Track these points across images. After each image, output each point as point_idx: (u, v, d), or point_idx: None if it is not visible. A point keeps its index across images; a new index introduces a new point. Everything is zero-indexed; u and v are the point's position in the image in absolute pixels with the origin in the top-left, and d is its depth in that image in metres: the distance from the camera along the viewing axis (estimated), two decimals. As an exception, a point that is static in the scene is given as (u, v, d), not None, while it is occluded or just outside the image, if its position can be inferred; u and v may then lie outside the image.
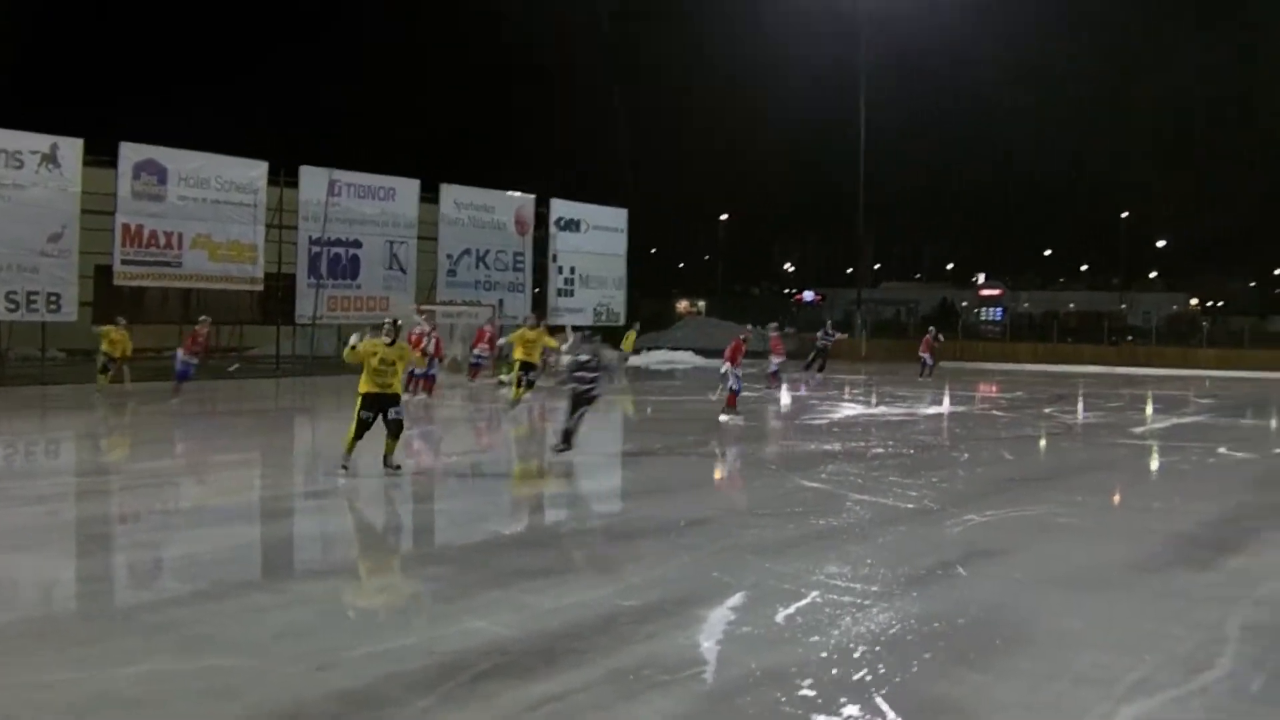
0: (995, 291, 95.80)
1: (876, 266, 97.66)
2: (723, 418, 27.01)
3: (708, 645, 9.11)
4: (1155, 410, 35.27)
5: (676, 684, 8.04)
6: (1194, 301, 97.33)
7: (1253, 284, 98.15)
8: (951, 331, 59.84)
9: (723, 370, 28.52)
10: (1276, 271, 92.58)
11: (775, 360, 36.33)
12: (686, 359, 56.33)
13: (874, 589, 10.79)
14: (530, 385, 27.30)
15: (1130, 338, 73.49)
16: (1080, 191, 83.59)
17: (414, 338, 28.41)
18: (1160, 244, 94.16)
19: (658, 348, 59.83)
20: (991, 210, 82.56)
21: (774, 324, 38.45)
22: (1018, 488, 17.74)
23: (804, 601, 10.31)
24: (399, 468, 17.05)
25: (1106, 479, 19.67)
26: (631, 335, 50.62)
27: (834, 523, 14.51)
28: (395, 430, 16.91)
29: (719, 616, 9.89)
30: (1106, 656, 8.82)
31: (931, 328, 51.46)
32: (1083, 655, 8.87)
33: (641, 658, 8.59)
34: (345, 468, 16.72)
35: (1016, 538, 13.72)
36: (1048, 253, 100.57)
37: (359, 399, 16.75)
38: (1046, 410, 33.56)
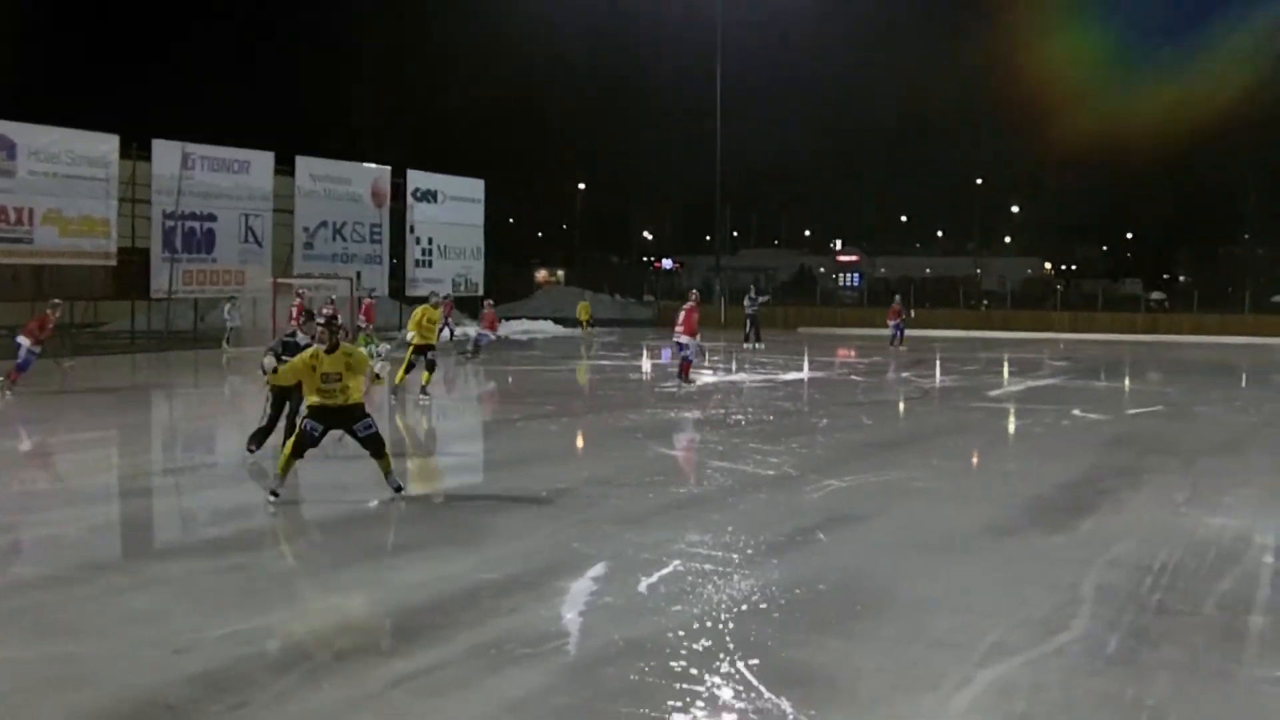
0: (852, 257, 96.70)
1: (735, 234, 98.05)
2: (681, 386, 27.42)
3: (570, 617, 9.06)
4: (1011, 374, 35.72)
5: (539, 657, 7.99)
6: (1048, 266, 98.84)
7: (1105, 248, 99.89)
8: (809, 298, 60.27)
9: (679, 340, 28.70)
10: (1128, 235, 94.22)
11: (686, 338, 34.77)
12: (545, 328, 56.32)
13: (735, 557, 10.81)
14: (432, 366, 25.19)
15: (986, 302, 74.48)
16: (935, 158, 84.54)
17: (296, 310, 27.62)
18: (1014, 209, 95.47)
19: (517, 317, 59.67)
20: (848, 177, 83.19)
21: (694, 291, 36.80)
22: (876, 453, 17.87)
23: (666, 570, 10.29)
24: (400, 489, 13.45)
25: (963, 442, 19.89)
26: (585, 305, 51.18)
27: (695, 491, 14.55)
28: (373, 449, 13.27)
29: (581, 588, 9.85)
30: (964, 620, 8.90)
31: (898, 295, 51.73)
32: (941, 619, 8.96)
33: (504, 631, 8.52)
34: (276, 494, 13.00)
35: (875, 503, 13.81)
36: (904, 219, 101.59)
37: (308, 409, 13.24)
38: (904, 375, 33.92)
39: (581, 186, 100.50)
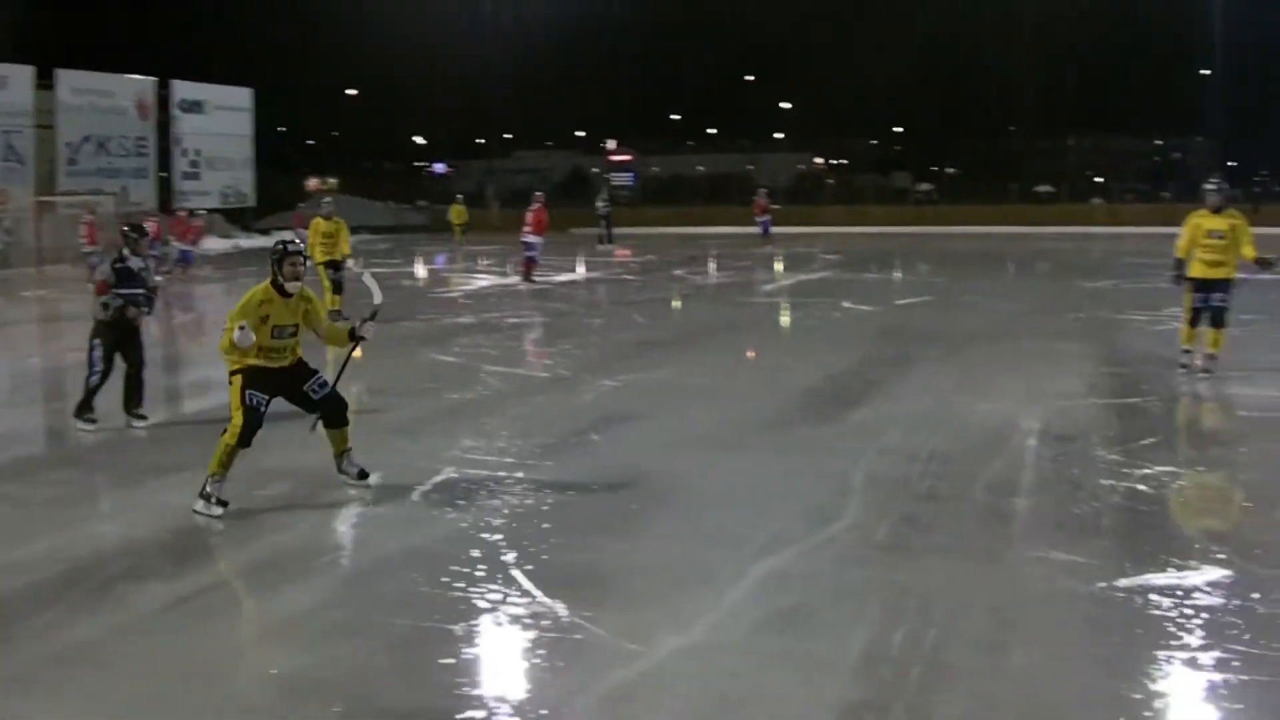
0: (625, 157, 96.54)
1: (508, 136, 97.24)
2: (522, 285, 27.82)
3: (343, 530, 8.98)
4: (783, 268, 36.10)
5: (313, 572, 7.90)
6: (819, 160, 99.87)
7: (874, 142, 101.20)
8: (584, 198, 60.17)
9: (525, 240, 29.03)
10: (896, 129, 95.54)
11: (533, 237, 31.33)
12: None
13: (509, 461, 10.71)
14: (336, 287, 22.05)
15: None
16: (706, 56, 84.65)
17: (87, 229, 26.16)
18: (786, 105, 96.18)
19: (289, 228, 58.62)
20: (618, 75, 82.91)
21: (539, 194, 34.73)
22: (650, 351, 17.89)
23: (440, 478, 10.16)
24: (366, 476, 10.02)
25: (737, 338, 20.04)
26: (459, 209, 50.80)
27: (468, 396, 14.41)
28: (333, 413, 10.06)
29: (354, 499, 9.69)
30: (738, 515, 8.95)
31: (761, 189, 51.54)
32: (715, 515, 8.99)
33: (276, 548, 8.41)
34: (222, 503, 9.23)
35: (649, 401, 13.82)
36: (675, 117, 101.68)
37: (236, 377, 9.60)
38: (678, 273, 34.09)
39: (352, 92, 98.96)
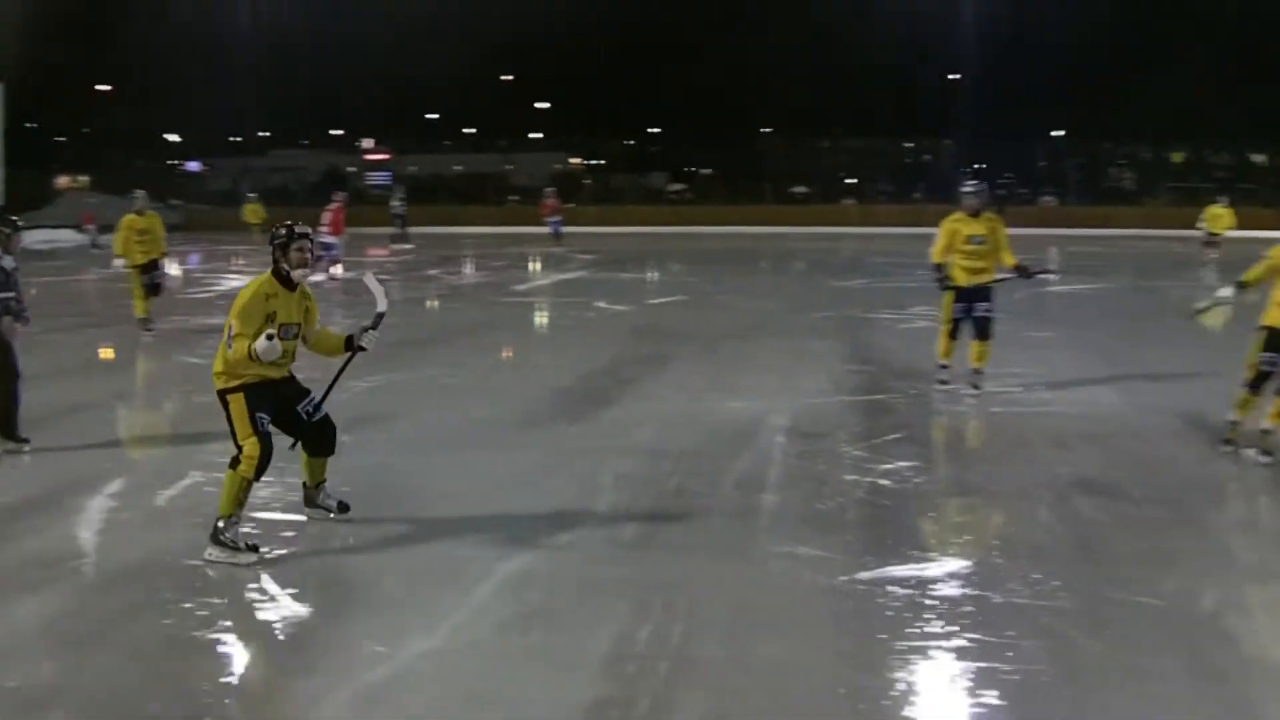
0: (383, 156, 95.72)
1: (264, 134, 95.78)
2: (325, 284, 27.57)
3: (87, 536, 8.66)
4: (539, 268, 36.15)
5: (54, 580, 7.66)
6: (575, 161, 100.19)
7: (631, 142, 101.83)
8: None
9: (324, 241, 28.38)
10: (653, 130, 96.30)
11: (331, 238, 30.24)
12: (69, 237, 53.86)
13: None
14: (153, 290, 19.97)
15: (516, 197, 75.15)
16: (463, 55, 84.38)
17: None
18: (543, 105, 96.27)
19: (39, 226, 56.92)
20: (376, 74, 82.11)
21: (341, 193, 32.79)
22: (405, 351, 17.71)
23: (186, 482, 9.96)
24: (347, 509, 8.86)
25: (491, 338, 20.01)
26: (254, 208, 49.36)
27: (216, 400, 14.11)
28: (326, 439, 8.86)
29: (99, 505, 9.41)
30: (488, 513, 8.95)
31: (548, 189, 50.92)
32: (466, 514, 8.96)
33: (19, 555, 8.17)
34: (252, 547, 8.03)
35: (402, 402, 13.75)
36: (432, 116, 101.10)
37: (236, 397, 8.23)
38: (432, 272, 33.91)
39: (105, 88, 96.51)
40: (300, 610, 7.05)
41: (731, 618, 6.99)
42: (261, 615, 7.01)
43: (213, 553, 7.87)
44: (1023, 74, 66.39)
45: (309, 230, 8.73)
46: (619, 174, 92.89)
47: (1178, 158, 79.56)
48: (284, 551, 8.10)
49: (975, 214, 13.78)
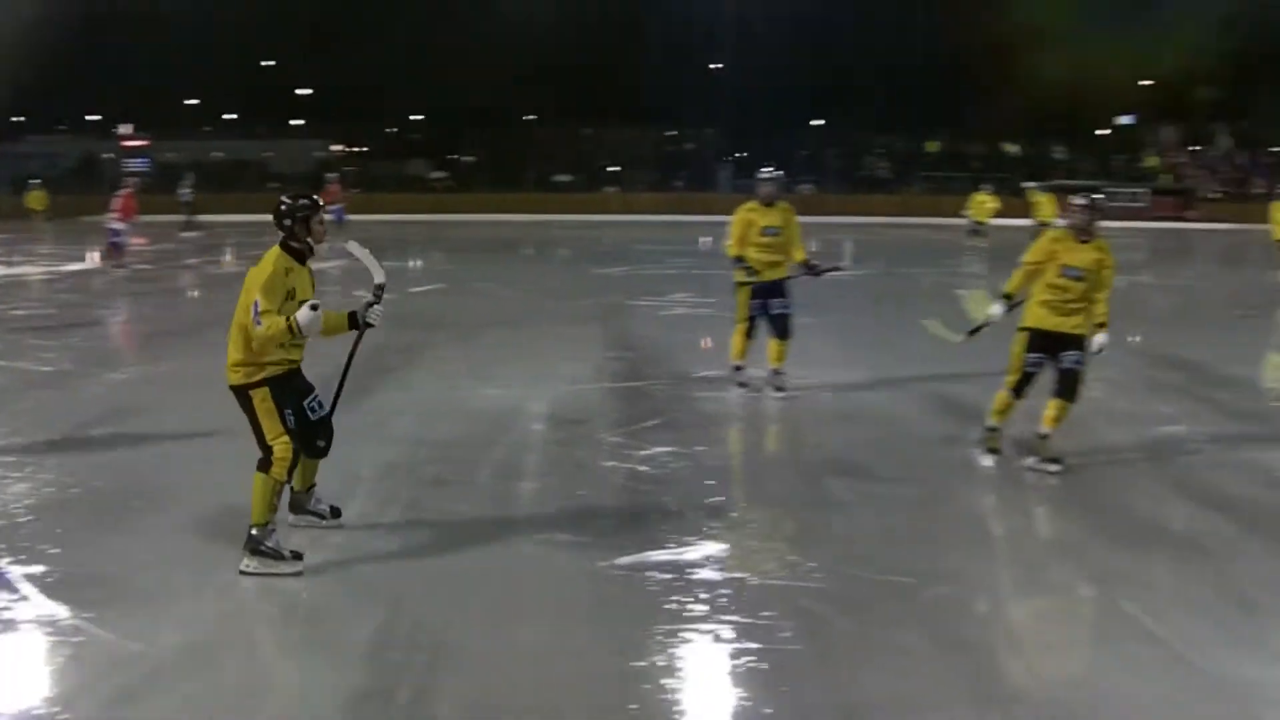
0: (141, 142, 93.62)
1: (17, 119, 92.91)
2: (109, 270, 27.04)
3: None
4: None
5: None
6: (337, 148, 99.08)
7: (393, 130, 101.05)
8: (97, 183, 58.08)
9: (112, 226, 27.71)
10: (413, 117, 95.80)
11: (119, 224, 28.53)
12: None
13: (9, 460, 10.23)
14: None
15: (277, 185, 74.15)
16: (223, 40, 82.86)
17: None
18: (304, 92, 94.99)
19: None
20: (133, 59, 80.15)
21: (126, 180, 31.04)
22: (162, 342, 17.47)
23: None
24: (339, 514, 8.48)
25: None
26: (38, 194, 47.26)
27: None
28: (328, 440, 8.18)
29: None
30: (243, 506, 8.75)
31: (330, 174, 49.81)
32: (221, 507, 8.76)
33: None
34: (296, 555, 7.61)
35: (157, 394, 13.57)
36: (192, 102, 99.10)
37: (261, 392, 7.68)
38: (191, 261, 33.33)
39: None
40: (54, 609, 6.89)
41: (492, 606, 7.05)
42: (13, 615, 6.85)
43: (250, 564, 7.48)
44: (783, 64, 67.59)
45: (294, 197, 8.31)
46: (380, 160, 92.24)
47: (933, 147, 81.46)
48: (36, 550, 7.90)
49: (770, 203, 13.07)
